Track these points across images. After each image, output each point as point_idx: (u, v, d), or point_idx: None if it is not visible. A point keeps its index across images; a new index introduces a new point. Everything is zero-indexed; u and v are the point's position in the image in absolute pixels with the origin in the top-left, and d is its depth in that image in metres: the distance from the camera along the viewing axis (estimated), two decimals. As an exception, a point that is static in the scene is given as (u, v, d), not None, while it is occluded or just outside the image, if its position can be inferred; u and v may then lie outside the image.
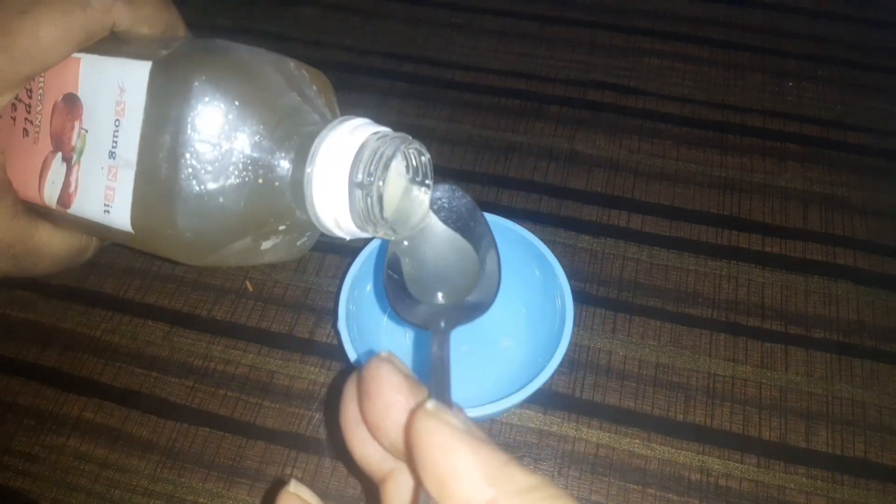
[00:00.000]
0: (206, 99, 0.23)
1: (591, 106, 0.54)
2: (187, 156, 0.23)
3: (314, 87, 0.26)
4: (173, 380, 0.41)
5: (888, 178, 0.50)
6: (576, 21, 0.59)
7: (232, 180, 0.23)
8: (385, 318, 0.41)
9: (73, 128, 0.26)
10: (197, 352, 0.42)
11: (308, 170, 0.23)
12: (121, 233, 0.25)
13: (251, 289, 0.45)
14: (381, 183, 0.23)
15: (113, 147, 0.25)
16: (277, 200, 0.24)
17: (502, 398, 0.32)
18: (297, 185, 0.24)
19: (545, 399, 0.40)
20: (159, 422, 0.40)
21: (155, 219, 0.24)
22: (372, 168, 0.23)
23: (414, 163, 0.25)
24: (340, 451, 0.39)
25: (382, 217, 0.23)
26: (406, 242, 0.27)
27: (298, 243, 0.27)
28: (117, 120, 0.25)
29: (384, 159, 0.23)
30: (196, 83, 0.23)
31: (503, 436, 0.39)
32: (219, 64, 0.24)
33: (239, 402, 0.40)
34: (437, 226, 0.28)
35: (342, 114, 0.26)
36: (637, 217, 0.47)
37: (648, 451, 0.38)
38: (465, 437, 0.16)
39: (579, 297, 0.43)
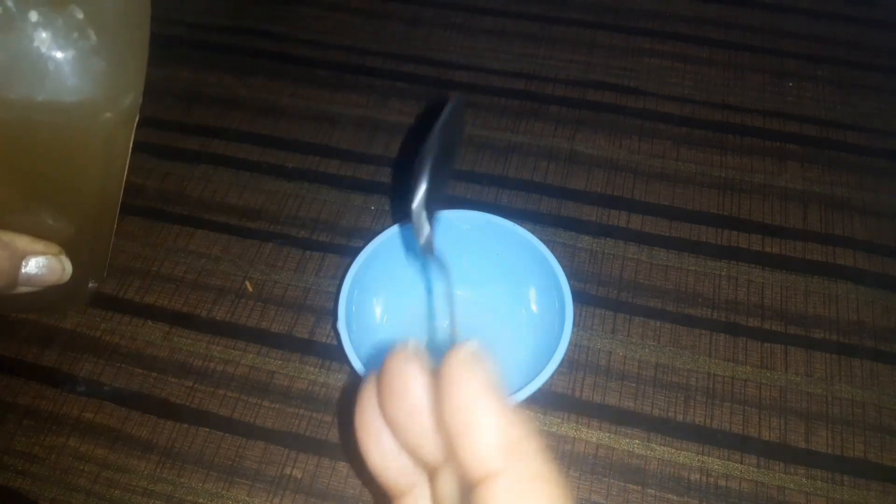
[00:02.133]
0: None
1: (591, 106, 0.54)
2: None
3: None
4: (173, 380, 0.41)
5: (888, 178, 0.50)
6: (576, 21, 0.59)
7: None
8: (385, 318, 0.41)
9: None
10: (197, 352, 0.42)
11: None
12: None
13: (251, 289, 0.45)
14: None
15: None
16: None
17: (502, 398, 0.32)
18: None
19: (545, 399, 0.40)
20: (159, 422, 0.40)
21: None
22: None
23: None
24: (342, 452, 0.39)
25: None
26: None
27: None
28: None
29: None
30: None
31: (503, 436, 0.39)
32: None
33: (239, 403, 0.40)
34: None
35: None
36: (637, 217, 0.47)
37: (648, 451, 0.38)
38: (494, 395, 0.15)
39: (579, 297, 0.43)
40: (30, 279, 0.25)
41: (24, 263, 0.25)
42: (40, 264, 0.25)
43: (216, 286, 0.45)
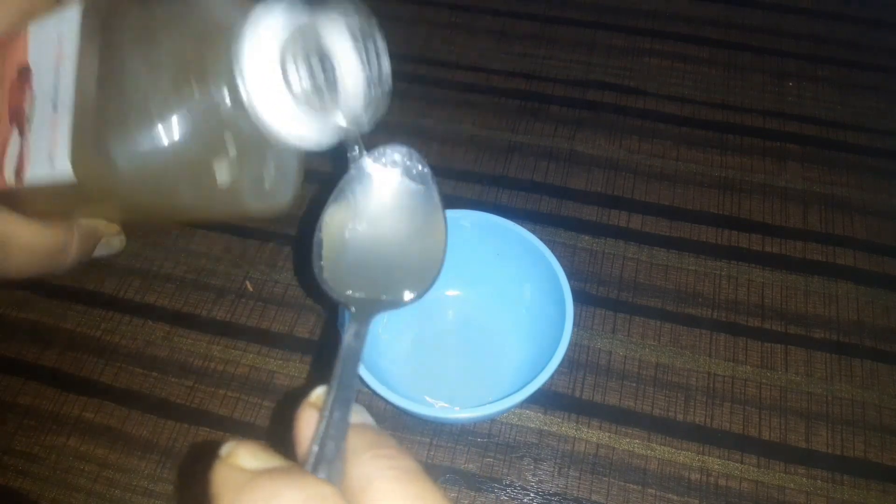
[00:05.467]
0: (128, 25, 0.22)
1: (591, 106, 0.54)
2: (114, 82, 0.22)
3: None
4: (173, 380, 0.41)
5: (888, 178, 0.50)
6: (576, 21, 0.59)
7: (164, 99, 0.22)
8: (386, 319, 0.41)
9: (24, 97, 0.25)
10: (197, 352, 0.42)
11: (236, 49, 0.21)
12: (69, 187, 0.24)
13: (251, 289, 0.45)
14: (317, 35, 0.20)
15: (55, 98, 0.24)
16: (216, 110, 0.22)
17: (502, 398, 0.32)
18: (230, 74, 0.22)
19: (545, 399, 0.40)
20: (159, 422, 0.40)
21: (91, 158, 0.23)
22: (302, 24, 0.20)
23: (358, 27, 0.23)
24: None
25: (327, 85, 0.21)
26: (348, 199, 0.25)
27: (266, 181, 0.24)
28: (57, 69, 0.24)
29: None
30: (116, 12, 0.22)
31: (503, 436, 0.39)
32: None
33: (239, 402, 0.40)
34: (387, 191, 0.25)
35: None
36: (637, 217, 0.47)
37: (648, 451, 0.38)
38: (249, 482, 0.17)
39: (579, 297, 0.43)
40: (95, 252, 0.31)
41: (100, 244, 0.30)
42: (108, 243, 0.31)
43: (216, 286, 0.45)
